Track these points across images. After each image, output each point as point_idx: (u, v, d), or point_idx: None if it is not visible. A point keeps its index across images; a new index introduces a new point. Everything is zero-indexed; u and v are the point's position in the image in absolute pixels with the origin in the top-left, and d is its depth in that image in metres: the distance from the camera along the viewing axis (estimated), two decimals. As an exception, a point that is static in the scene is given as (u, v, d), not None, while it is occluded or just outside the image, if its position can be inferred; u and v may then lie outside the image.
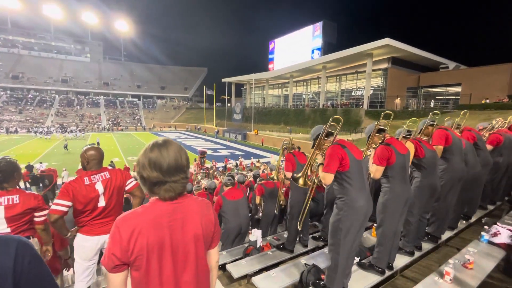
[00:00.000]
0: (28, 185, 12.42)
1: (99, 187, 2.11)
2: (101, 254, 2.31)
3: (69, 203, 2.00)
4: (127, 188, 2.30)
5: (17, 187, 2.04)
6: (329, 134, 2.25)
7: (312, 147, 2.28)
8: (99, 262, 2.39)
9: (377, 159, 2.29)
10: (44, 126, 42.63)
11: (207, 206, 1.11)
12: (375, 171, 2.32)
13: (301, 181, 2.26)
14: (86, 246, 2.14)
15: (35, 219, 2.05)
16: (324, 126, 2.24)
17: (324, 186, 3.10)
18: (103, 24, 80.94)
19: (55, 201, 1.99)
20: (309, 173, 2.32)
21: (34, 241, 2.04)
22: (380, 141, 2.46)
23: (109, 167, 2.32)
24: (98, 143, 24.36)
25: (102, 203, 2.13)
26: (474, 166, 3.21)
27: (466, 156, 3.12)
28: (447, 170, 2.88)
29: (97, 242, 2.16)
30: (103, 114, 56.30)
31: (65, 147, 23.74)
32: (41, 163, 15.12)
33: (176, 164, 0.99)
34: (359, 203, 2.00)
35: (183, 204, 1.03)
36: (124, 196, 2.63)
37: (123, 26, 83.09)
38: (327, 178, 2.01)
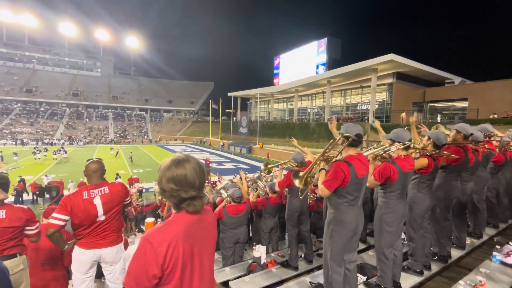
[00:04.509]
0: (35, 197, 12.65)
1: (97, 202, 2.12)
2: (98, 267, 2.31)
3: (67, 217, 2.01)
4: (126, 203, 2.34)
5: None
6: (352, 145, 2.06)
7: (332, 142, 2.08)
8: (96, 276, 2.35)
9: (378, 175, 2.25)
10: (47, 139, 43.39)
11: (216, 217, 1.16)
12: (371, 183, 2.30)
13: (299, 182, 2.09)
14: (82, 259, 2.14)
15: (27, 232, 2.02)
16: (359, 139, 2.02)
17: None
18: (115, 40, 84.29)
19: (53, 215, 1.99)
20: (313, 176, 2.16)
21: (21, 259, 1.98)
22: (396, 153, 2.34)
23: (115, 180, 2.36)
24: (117, 153, 25.57)
25: (100, 217, 2.14)
26: (472, 184, 3.17)
27: (469, 174, 3.10)
28: (440, 187, 2.84)
29: (93, 255, 2.16)
30: (110, 127, 57.38)
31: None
32: (46, 175, 15.34)
33: (203, 181, 1.02)
34: (347, 218, 2.02)
35: (203, 216, 1.06)
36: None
37: (134, 42, 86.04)
38: (325, 193, 2.00)
